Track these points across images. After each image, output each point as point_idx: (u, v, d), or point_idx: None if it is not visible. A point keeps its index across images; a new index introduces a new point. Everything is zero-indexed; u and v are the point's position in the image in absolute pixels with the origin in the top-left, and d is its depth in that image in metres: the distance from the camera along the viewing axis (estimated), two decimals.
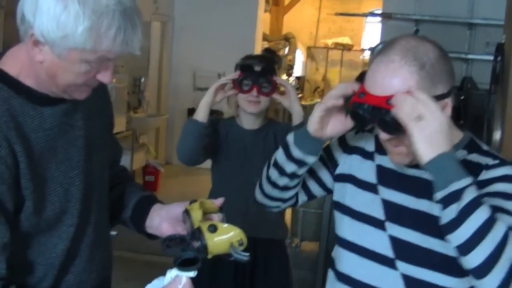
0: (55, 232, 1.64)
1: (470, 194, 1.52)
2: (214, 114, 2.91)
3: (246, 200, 2.42)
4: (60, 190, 1.63)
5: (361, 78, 5.66)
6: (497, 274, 1.51)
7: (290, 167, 1.87)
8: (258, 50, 8.97)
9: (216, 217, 1.71)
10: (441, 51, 1.71)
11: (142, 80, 7.84)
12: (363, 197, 1.86)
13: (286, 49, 13.94)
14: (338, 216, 1.94)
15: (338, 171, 1.96)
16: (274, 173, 1.92)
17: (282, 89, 2.91)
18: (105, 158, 1.85)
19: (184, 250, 1.51)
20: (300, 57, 15.75)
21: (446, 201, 1.53)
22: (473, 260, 1.52)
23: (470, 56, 7.10)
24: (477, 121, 5.54)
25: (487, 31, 6.99)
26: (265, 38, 11.90)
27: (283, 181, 1.92)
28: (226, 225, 1.59)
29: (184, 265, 1.44)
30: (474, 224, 1.50)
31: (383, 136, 1.69)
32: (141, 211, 1.88)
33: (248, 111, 2.93)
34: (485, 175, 1.70)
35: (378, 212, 1.81)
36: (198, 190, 4.08)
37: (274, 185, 1.94)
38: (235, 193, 2.73)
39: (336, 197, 1.95)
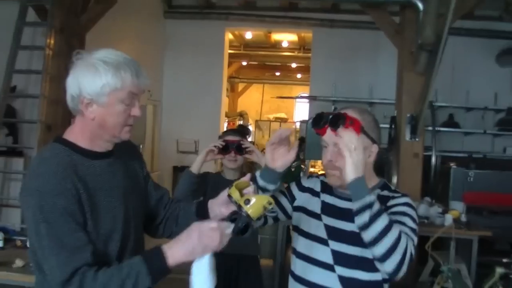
0: (108, 246, 1.66)
1: (377, 206, 1.64)
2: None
3: None
4: (109, 215, 1.67)
5: (300, 141, 5.81)
6: (394, 259, 1.62)
7: None
8: (222, 123, 9.03)
9: (250, 189, 1.72)
10: (376, 121, 1.86)
11: (141, 146, 7.85)
12: (311, 223, 1.90)
13: (241, 122, 14.11)
14: (295, 236, 1.97)
15: (296, 204, 1.99)
16: None
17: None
18: (139, 204, 1.85)
19: (238, 222, 1.60)
20: (250, 128, 15.89)
21: (362, 208, 1.63)
22: (378, 250, 1.62)
23: None
24: (380, 170, 5.67)
25: (383, 107, 7.05)
26: (226, 115, 12.00)
27: None
28: (254, 196, 1.63)
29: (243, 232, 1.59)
30: (379, 225, 1.61)
31: (329, 156, 1.81)
32: (203, 213, 1.89)
33: (229, 167, 3.07)
34: (391, 201, 1.83)
35: (322, 233, 1.86)
36: None
37: None
38: None
39: (294, 222, 2.00)
